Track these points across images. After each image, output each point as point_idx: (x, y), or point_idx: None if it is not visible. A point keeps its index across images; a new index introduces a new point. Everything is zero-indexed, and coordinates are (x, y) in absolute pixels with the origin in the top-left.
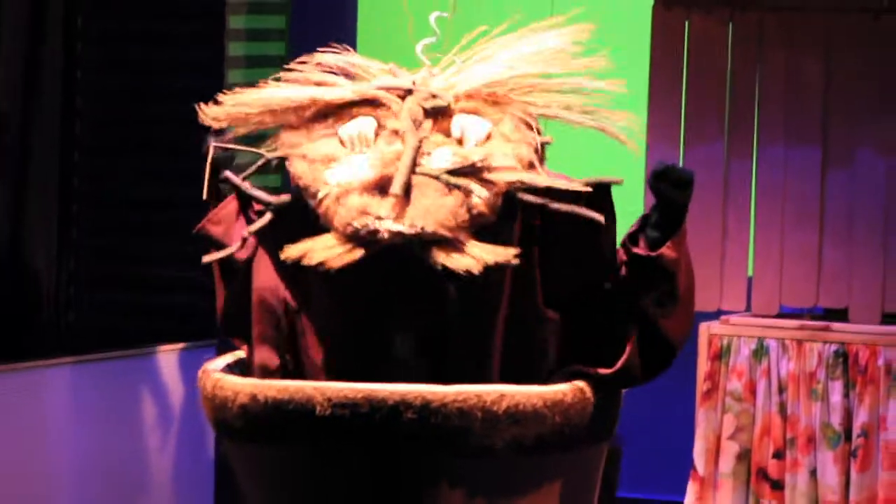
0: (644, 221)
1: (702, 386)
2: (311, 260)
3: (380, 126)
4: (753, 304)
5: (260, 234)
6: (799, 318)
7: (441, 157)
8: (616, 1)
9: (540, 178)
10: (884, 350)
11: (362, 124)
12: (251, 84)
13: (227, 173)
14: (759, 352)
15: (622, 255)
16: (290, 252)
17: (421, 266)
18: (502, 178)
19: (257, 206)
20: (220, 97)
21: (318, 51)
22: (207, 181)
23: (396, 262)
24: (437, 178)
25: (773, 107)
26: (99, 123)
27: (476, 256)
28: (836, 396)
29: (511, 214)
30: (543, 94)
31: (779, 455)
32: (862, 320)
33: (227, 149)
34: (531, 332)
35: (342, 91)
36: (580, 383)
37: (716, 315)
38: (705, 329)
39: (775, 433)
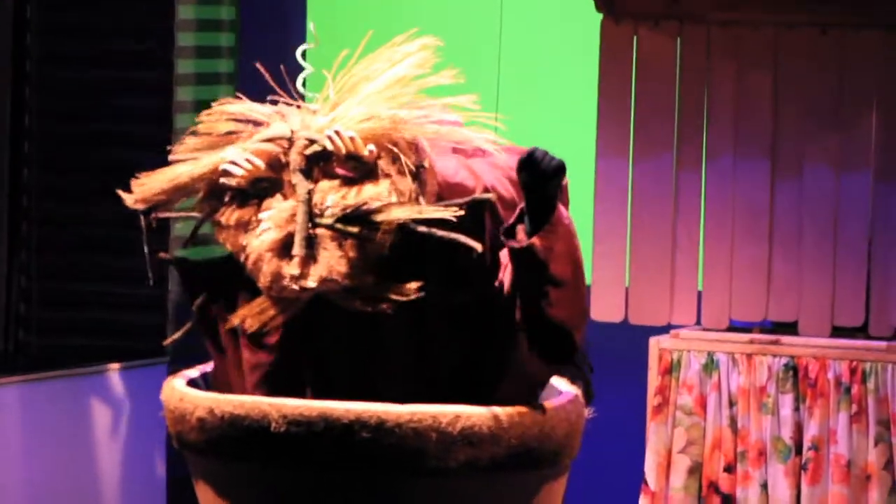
0: (520, 213)
1: (652, 400)
2: (250, 328)
3: (276, 174)
4: (703, 318)
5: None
6: (749, 331)
7: (331, 203)
8: (564, 15)
9: (420, 210)
10: (833, 363)
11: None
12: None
13: (161, 255)
14: (710, 366)
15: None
16: (233, 321)
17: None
18: (387, 216)
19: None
20: (133, 181)
21: (209, 108)
22: (148, 259)
23: (323, 308)
24: (331, 227)
25: (721, 120)
26: (48, 138)
27: (384, 297)
28: (787, 410)
29: (405, 245)
30: (412, 126)
31: (730, 469)
32: (811, 334)
33: (162, 219)
34: (448, 344)
35: (236, 153)
36: (539, 404)
37: (666, 329)
38: (655, 343)
39: (726, 447)
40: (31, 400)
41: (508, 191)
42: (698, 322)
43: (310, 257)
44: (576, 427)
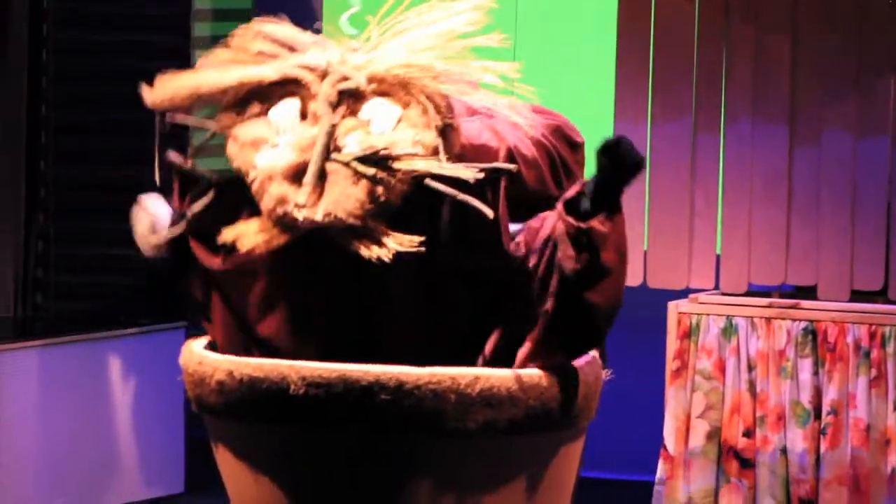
0: (582, 189)
1: (671, 364)
2: (242, 246)
3: (304, 104)
4: (722, 283)
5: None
6: (768, 296)
7: (351, 143)
8: None
9: (440, 166)
10: (852, 327)
11: (287, 108)
12: (217, 37)
13: (170, 155)
14: (728, 330)
15: (554, 217)
16: (226, 235)
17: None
18: (406, 165)
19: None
20: (157, 79)
21: (255, 21)
22: (157, 161)
23: (322, 245)
24: (346, 164)
25: (740, 85)
26: (64, 107)
27: (386, 244)
28: (806, 374)
29: (418, 199)
30: (450, 81)
31: (748, 433)
32: (830, 298)
33: (178, 126)
34: (456, 306)
35: (265, 71)
36: (556, 367)
37: (684, 293)
38: (674, 307)
39: (745, 411)
40: (49, 364)
41: (530, 150)
42: (717, 286)
43: (319, 189)
44: (594, 389)
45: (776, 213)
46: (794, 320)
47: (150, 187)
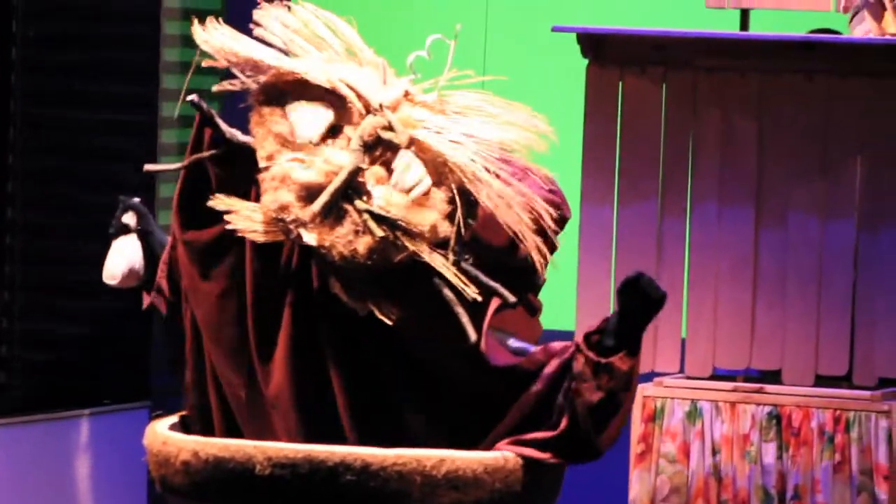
0: (604, 325)
1: (635, 448)
2: (234, 222)
3: (338, 120)
4: (687, 366)
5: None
6: (732, 380)
7: (377, 195)
8: (550, 60)
9: (442, 262)
10: (817, 412)
11: (317, 115)
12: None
13: (195, 97)
14: (693, 414)
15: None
16: (219, 203)
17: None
18: (414, 246)
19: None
20: (215, 23)
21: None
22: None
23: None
24: (359, 213)
25: (706, 166)
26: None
27: (363, 302)
28: (770, 458)
29: (414, 278)
30: (485, 186)
31: None
32: (795, 382)
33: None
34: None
35: (318, 73)
36: (521, 450)
37: (649, 377)
38: (639, 391)
39: (709, 495)
40: (9, 443)
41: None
42: (682, 370)
43: (323, 220)
44: (558, 472)
45: (742, 296)
46: (758, 404)
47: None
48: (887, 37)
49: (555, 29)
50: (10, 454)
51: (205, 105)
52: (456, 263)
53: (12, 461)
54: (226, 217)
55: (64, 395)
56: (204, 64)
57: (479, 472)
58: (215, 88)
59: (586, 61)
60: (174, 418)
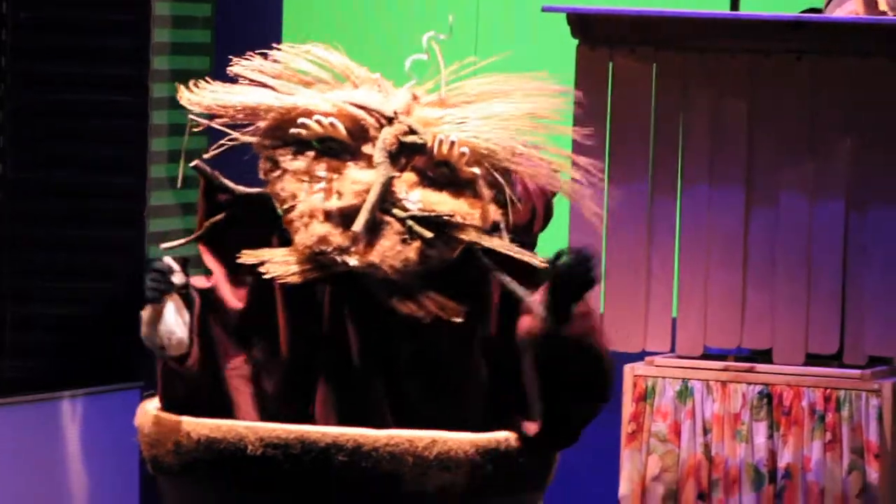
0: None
1: (626, 427)
2: (268, 270)
3: (352, 142)
4: (678, 346)
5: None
6: (723, 359)
7: (410, 200)
8: (540, 41)
9: (499, 244)
10: (807, 391)
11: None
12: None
13: (198, 162)
14: (684, 393)
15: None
16: (248, 256)
17: (372, 301)
18: (464, 236)
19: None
20: (204, 83)
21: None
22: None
23: (350, 292)
24: (402, 222)
25: (697, 147)
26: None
27: (426, 305)
28: (761, 438)
29: (466, 270)
30: (523, 166)
31: (703, 497)
32: (786, 361)
33: (210, 130)
34: (474, 379)
35: (322, 104)
36: (515, 432)
37: (640, 356)
38: (630, 370)
39: (700, 474)
40: (2, 425)
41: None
42: (673, 349)
43: (366, 239)
44: (552, 454)
45: (732, 276)
46: (749, 384)
47: (106, 246)
48: (875, 16)
49: (545, 9)
50: (2, 435)
51: (208, 168)
52: (513, 242)
53: (4, 442)
54: (260, 269)
55: (56, 377)
56: (197, 127)
57: (471, 453)
58: (208, 154)
59: (576, 42)
60: None
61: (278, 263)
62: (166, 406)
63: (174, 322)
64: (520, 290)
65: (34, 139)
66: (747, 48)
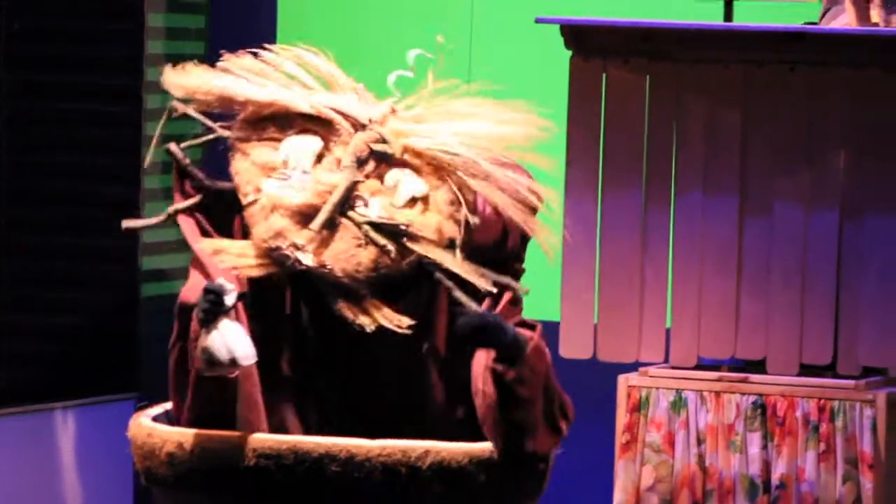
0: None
1: (620, 437)
2: (222, 262)
3: (325, 146)
4: (672, 356)
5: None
6: (717, 369)
7: (371, 206)
8: (533, 53)
9: (451, 260)
10: (801, 402)
11: (305, 144)
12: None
13: (172, 146)
14: (678, 403)
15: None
16: (205, 245)
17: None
18: (419, 249)
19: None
20: (188, 66)
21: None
22: (157, 139)
23: (308, 296)
24: (359, 226)
25: (690, 157)
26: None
27: (373, 315)
28: (755, 448)
29: (419, 282)
30: (483, 181)
31: None
32: (779, 371)
33: (188, 117)
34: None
35: (301, 102)
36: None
37: (634, 367)
38: (624, 381)
39: (695, 485)
40: None
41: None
42: (667, 360)
43: (322, 240)
44: (546, 464)
45: (726, 286)
46: (743, 394)
47: (100, 254)
48: (869, 27)
49: (538, 20)
50: None
51: (179, 154)
52: (466, 260)
53: None
54: (215, 258)
55: (50, 387)
56: (179, 109)
57: (465, 464)
58: (185, 145)
59: (570, 54)
60: (158, 409)
61: (234, 255)
62: (198, 422)
63: (237, 338)
64: (472, 305)
65: (28, 148)
66: (741, 59)
